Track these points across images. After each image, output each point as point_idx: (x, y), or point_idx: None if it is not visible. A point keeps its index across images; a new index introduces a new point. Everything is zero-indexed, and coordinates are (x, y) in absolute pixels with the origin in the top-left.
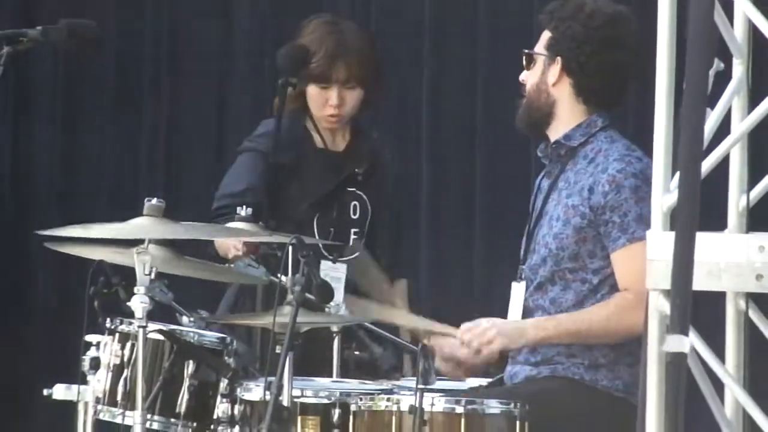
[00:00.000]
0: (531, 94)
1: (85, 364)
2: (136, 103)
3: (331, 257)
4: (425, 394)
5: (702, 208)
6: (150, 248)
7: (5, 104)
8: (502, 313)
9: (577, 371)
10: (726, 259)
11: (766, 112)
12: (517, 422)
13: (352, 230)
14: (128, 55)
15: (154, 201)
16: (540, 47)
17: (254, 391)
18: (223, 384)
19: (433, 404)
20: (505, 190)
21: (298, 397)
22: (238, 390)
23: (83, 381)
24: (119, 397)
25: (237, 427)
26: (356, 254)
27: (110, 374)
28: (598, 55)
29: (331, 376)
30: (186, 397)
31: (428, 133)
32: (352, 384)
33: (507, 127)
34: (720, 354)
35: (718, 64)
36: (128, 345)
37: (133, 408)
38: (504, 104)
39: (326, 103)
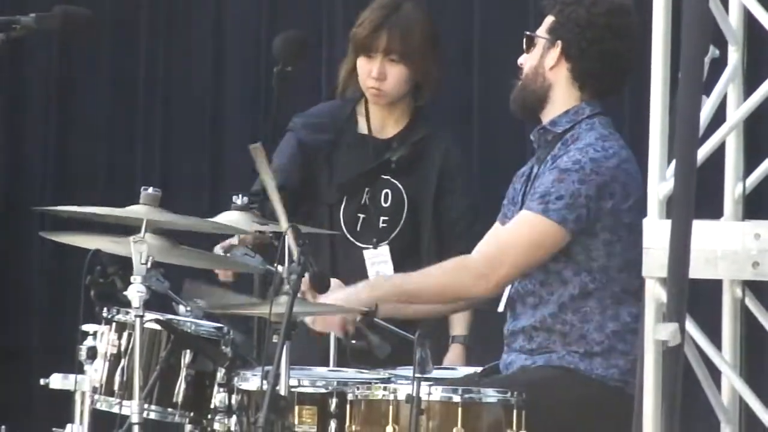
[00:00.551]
0: (527, 76)
1: (82, 354)
2: (131, 95)
3: (369, 245)
4: (422, 383)
5: (698, 195)
6: (146, 237)
7: None
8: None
9: (572, 360)
10: (722, 247)
11: (761, 99)
12: (514, 411)
13: (381, 218)
14: (123, 44)
15: (151, 190)
16: (542, 31)
17: (251, 381)
18: (220, 373)
19: (430, 393)
20: (502, 173)
21: (295, 386)
22: (235, 379)
23: (80, 371)
24: (116, 387)
25: (234, 417)
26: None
27: (107, 364)
28: (600, 42)
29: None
30: (183, 386)
31: None
32: (349, 373)
33: (503, 112)
34: (716, 342)
35: (713, 52)
36: (125, 334)
37: (130, 397)
38: (499, 89)
39: (369, 75)
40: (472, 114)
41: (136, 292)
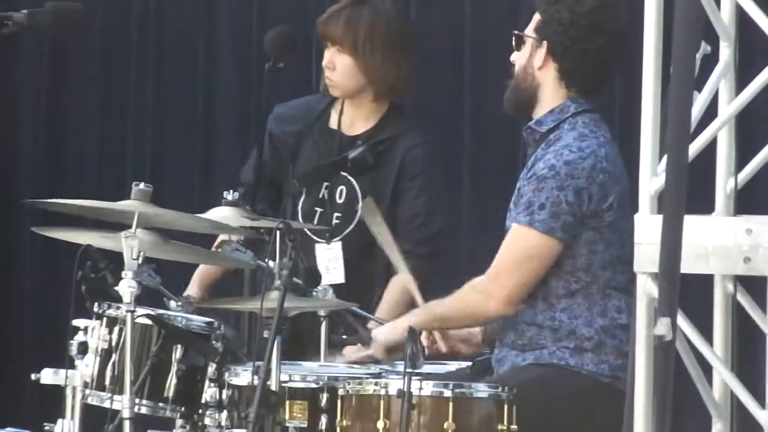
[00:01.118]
0: (518, 75)
1: (73, 349)
2: (122, 91)
3: (323, 240)
4: (413, 377)
5: (690, 191)
6: (138, 232)
7: None
8: None
9: (562, 356)
10: (714, 242)
11: (753, 94)
12: (505, 406)
13: (335, 214)
14: (114, 39)
15: (142, 185)
16: (530, 29)
17: (242, 376)
18: (211, 368)
19: (421, 388)
20: (493, 170)
21: (285, 381)
22: (226, 374)
23: (71, 365)
24: (107, 382)
25: (225, 412)
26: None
27: (98, 359)
28: (584, 41)
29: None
30: (174, 381)
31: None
32: (340, 368)
33: (495, 109)
34: (708, 337)
35: (705, 47)
36: (116, 329)
37: (121, 392)
38: (490, 85)
39: (324, 63)
40: (463, 112)
41: (127, 287)
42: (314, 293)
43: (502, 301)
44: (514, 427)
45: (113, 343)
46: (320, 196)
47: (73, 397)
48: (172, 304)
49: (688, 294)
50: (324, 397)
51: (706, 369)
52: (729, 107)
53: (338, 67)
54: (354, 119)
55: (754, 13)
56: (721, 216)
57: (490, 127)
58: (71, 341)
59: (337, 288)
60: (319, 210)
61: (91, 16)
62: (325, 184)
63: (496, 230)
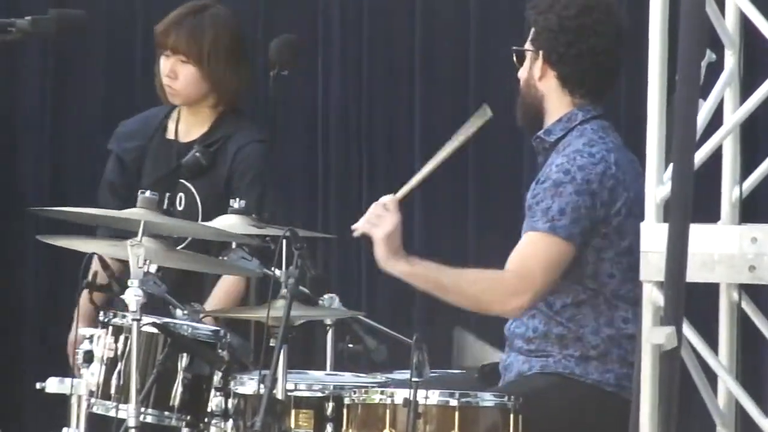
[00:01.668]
0: (523, 90)
1: (79, 357)
2: (126, 99)
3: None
4: (419, 386)
5: (695, 199)
6: (144, 241)
7: None
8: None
9: (567, 365)
10: (719, 251)
11: (758, 102)
12: (511, 415)
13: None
14: (118, 47)
15: (148, 193)
16: (527, 43)
17: (248, 385)
18: (217, 377)
19: (427, 397)
20: (497, 181)
21: (291, 390)
22: (232, 383)
23: (77, 374)
24: (113, 390)
25: (231, 421)
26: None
27: (104, 367)
28: (576, 44)
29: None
30: (180, 390)
31: (421, 126)
32: (346, 377)
33: (499, 114)
34: (713, 345)
35: (709, 56)
36: (122, 338)
37: (126, 401)
38: (496, 90)
39: (164, 73)
40: (468, 114)
41: (133, 295)
42: (321, 302)
43: (526, 301)
44: None
45: (119, 352)
46: (163, 207)
47: (79, 405)
48: (178, 312)
49: (693, 302)
50: (330, 406)
51: (711, 377)
52: (734, 115)
53: (181, 76)
54: (190, 126)
55: (759, 21)
56: (726, 224)
57: (494, 134)
58: (77, 350)
59: (175, 285)
60: None
61: (94, 23)
62: (167, 194)
63: (500, 236)
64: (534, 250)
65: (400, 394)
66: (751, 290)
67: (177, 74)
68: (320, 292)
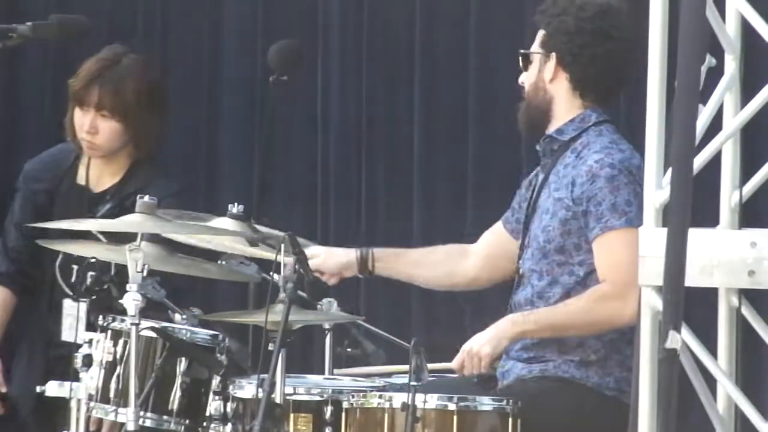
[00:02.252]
0: (529, 93)
1: (78, 361)
2: None
3: (72, 296)
4: (417, 391)
5: (694, 204)
6: (142, 245)
7: None
8: (493, 297)
9: (567, 369)
10: (718, 256)
11: (758, 107)
12: (510, 419)
13: (89, 274)
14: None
15: (147, 198)
16: (535, 46)
17: (246, 389)
18: (216, 381)
19: (425, 401)
20: (497, 183)
21: (290, 394)
22: (231, 387)
23: (76, 378)
24: (112, 394)
25: (229, 425)
26: None
27: (103, 371)
28: (591, 47)
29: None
30: (178, 394)
31: (420, 133)
32: (345, 381)
33: (497, 120)
34: (712, 350)
35: (710, 60)
36: (121, 342)
37: (125, 405)
38: (494, 97)
39: (82, 128)
40: (467, 120)
41: (131, 300)
42: (319, 306)
43: (634, 301)
44: None
45: (118, 356)
46: (75, 255)
47: (78, 409)
48: (177, 316)
49: (692, 307)
50: (328, 410)
51: (711, 382)
52: (734, 120)
53: (102, 131)
54: (101, 174)
55: (760, 26)
56: (725, 229)
57: (493, 136)
58: (76, 354)
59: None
60: (75, 267)
61: (94, 27)
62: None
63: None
64: (619, 251)
65: (399, 398)
66: (750, 295)
67: (98, 129)
68: (319, 296)
